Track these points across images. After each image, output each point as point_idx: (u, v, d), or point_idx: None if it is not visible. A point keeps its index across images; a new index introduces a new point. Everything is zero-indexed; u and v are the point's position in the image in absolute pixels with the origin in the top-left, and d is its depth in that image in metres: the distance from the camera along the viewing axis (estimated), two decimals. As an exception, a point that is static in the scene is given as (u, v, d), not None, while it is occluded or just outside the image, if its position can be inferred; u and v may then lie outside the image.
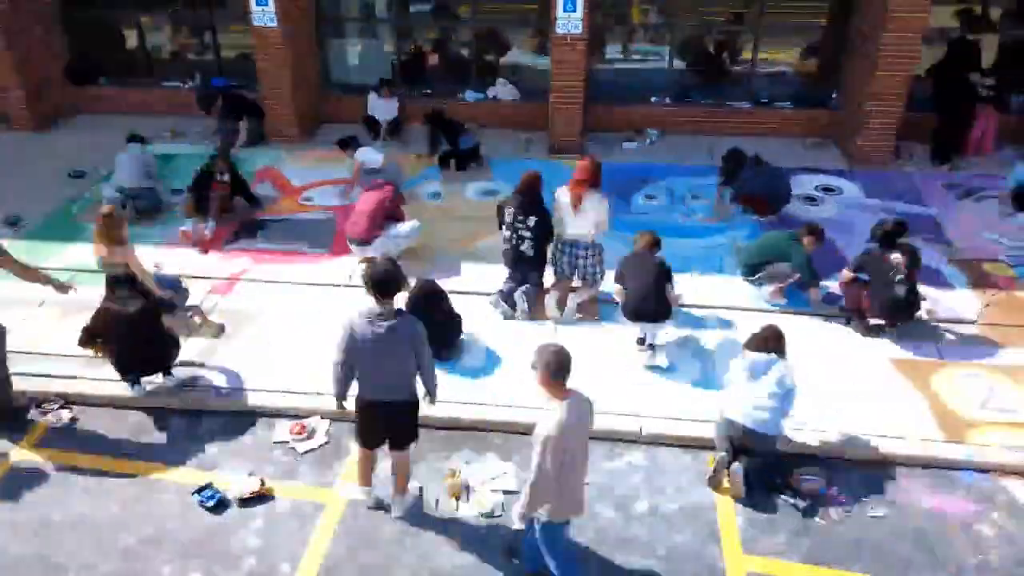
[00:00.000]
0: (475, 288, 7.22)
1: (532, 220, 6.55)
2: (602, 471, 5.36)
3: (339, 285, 7.31)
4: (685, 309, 6.84)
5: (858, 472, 5.33)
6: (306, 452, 5.54)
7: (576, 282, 6.81)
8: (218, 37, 11.55)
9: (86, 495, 5.23)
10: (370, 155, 8.90)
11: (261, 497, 5.15)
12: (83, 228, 8.34)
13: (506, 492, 5.16)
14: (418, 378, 4.62)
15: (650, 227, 8.08)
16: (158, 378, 6.04)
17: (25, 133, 10.83)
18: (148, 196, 8.54)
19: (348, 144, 9.06)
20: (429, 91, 11.16)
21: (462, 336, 6.45)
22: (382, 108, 10.43)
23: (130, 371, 5.94)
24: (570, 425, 3.75)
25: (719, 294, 7.14)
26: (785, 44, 10.98)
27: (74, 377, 6.16)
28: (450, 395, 5.87)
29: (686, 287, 7.00)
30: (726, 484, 5.14)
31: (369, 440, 4.78)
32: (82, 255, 7.80)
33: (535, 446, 3.80)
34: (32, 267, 6.01)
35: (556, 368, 3.74)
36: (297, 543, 4.86)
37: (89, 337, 5.90)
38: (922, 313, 6.54)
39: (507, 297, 6.79)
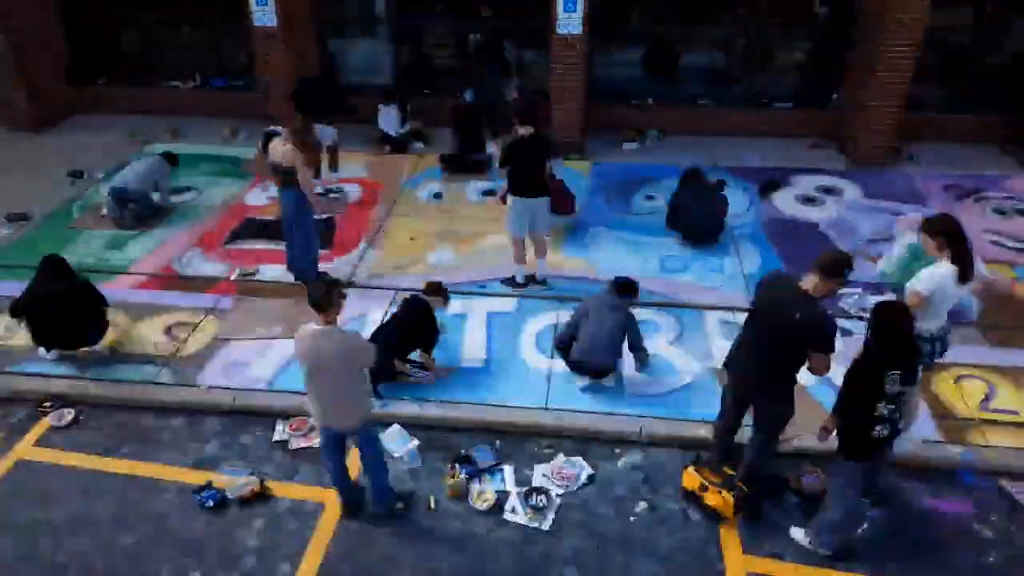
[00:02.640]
0: (476, 288, 7.24)
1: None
2: (602, 471, 5.36)
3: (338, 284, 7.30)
4: (684, 307, 6.86)
5: (858, 472, 5.32)
6: (299, 449, 5.54)
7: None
8: (218, 37, 11.58)
9: (86, 495, 5.22)
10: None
11: (261, 497, 5.15)
12: (81, 230, 8.38)
13: (502, 492, 5.17)
14: None
15: (649, 228, 8.25)
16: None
17: (25, 133, 10.84)
18: (143, 201, 8.50)
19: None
20: (428, 91, 11.15)
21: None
22: (387, 119, 10.29)
23: (51, 345, 6.15)
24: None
25: (719, 294, 7.15)
26: (786, 44, 11.00)
27: (74, 377, 6.17)
28: (451, 393, 5.91)
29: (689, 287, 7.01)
30: None
31: None
32: (81, 255, 7.83)
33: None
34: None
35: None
36: (297, 543, 4.86)
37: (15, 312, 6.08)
38: None
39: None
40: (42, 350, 6.27)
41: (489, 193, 9.14)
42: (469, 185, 9.33)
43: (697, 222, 7.85)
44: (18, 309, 6.06)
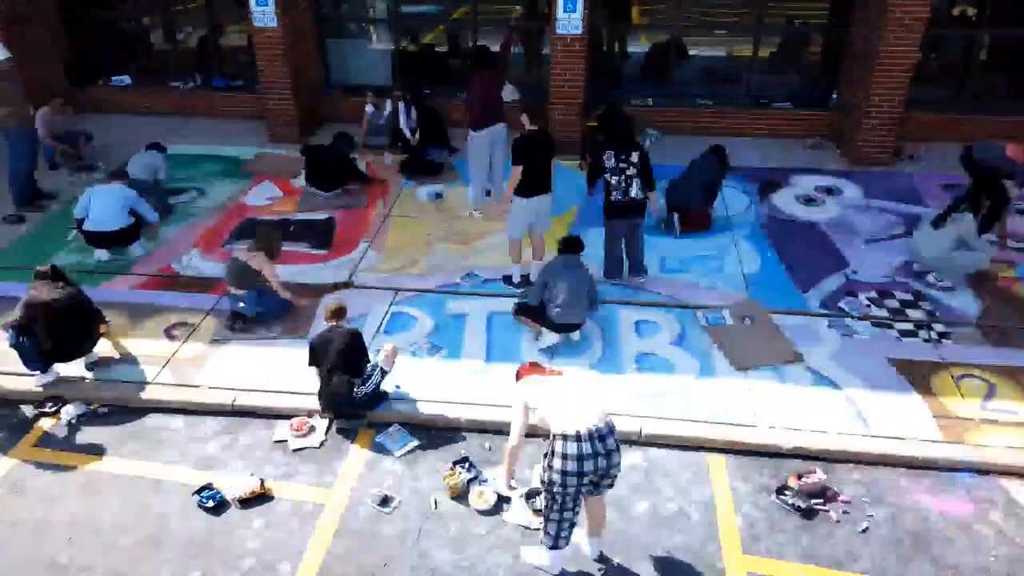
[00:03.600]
0: (474, 288, 7.25)
1: None
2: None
3: (339, 285, 7.31)
4: (684, 308, 6.86)
5: (858, 472, 5.33)
6: (299, 449, 5.54)
7: None
8: (218, 37, 11.58)
9: (86, 495, 5.23)
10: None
11: (261, 497, 5.15)
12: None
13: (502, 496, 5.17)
14: None
15: (649, 228, 8.23)
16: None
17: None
18: (151, 191, 8.50)
19: None
20: (428, 91, 11.14)
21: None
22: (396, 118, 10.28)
23: (55, 360, 6.02)
24: None
25: (719, 294, 7.15)
26: (785, 44, 11.00)
27: (74, 377, 6.17)
28: (451, 394, 5.91)
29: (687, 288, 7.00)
30: None
31: None
32: (81, 255, 7.84)
33: None
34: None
35: None
36: (297, 543, 4.86)
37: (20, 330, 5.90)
38: None
39: None
40: (38, 377, 6.05)
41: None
42: (469, 185, 9.25)
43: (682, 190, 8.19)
44: (21, 325, 5.88)
